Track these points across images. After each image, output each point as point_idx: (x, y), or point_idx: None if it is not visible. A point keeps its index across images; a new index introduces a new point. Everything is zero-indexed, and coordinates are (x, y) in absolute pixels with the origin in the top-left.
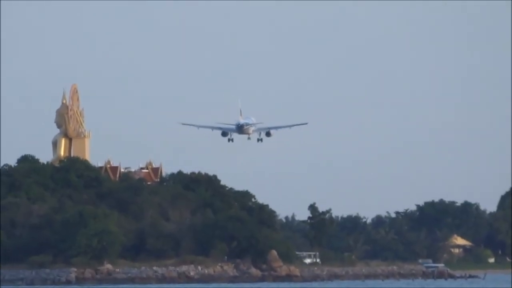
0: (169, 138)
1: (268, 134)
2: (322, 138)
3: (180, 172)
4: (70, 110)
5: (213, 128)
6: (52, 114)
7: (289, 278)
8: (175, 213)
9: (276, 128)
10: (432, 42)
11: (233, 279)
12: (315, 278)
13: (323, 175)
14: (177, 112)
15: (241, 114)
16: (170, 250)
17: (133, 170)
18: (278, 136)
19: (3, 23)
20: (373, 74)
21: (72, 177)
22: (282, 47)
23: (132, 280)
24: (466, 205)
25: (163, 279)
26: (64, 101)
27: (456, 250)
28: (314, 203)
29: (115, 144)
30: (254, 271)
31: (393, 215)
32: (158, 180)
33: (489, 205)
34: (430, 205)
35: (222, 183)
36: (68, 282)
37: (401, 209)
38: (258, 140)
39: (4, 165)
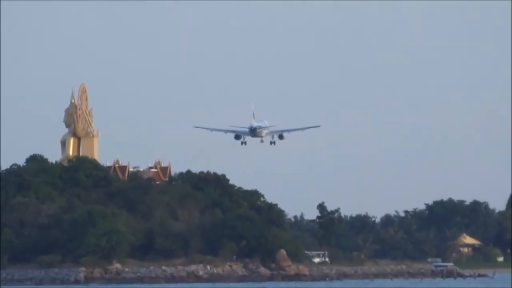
0: (178, 137)
1: (281, 137)
2: (331, 138)
3: (188, 172)
4: (79, 109)
5: (226, 131)
6: (60, 113)
7: (298, 277)
8: (183, 212)
9: (288, 131)
10: (440, 42)
11: (242, 279)
12: (324, 277)
13: (332, 174)
14: (186, 111)
15: (254, 117)
16: (179, 250)
17: (141, 169)
18: (287, 136)
19: (13, 22)
20: (379, 74)
21: (81, 176)
22: (295, 50)
23: (141, 280)
24: (475, 204)
25: (172, 279)
26: (73, 101)
27: (465, 249)
28: (323, 203)
29: (124, 144)
30: (263, 270)
31: (402, 214)
32: (167, 179)
33: (498, 204)
34: (439, 204)
35: (230, 182)
36: (77, 281)
37: (410, 208)
38: (271, 143)
39: (13, 164)
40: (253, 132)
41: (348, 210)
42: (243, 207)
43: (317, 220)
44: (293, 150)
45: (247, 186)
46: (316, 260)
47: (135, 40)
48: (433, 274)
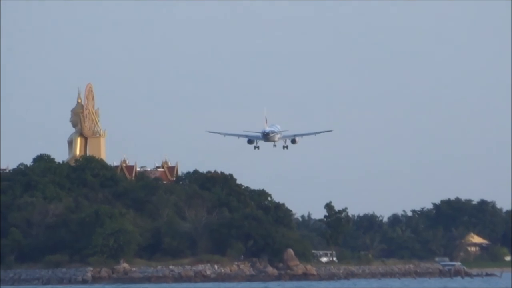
0: (185, 137)
1: (293, 141)
2: (338, 138)
3: (196, 171)
4: (86, 109)
5: (239, 136)
6: (67, 113)
7: (305, 277)
8: (191, 212)
9: (301, 135)
10: (439, 42)
11: (249, 278)
12: (332, 276)
13: (339, 174)
14: (193, 111)
15: (266, 122)
16: (187, 249)
17: (149, 169)
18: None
19: (19, 22)
20: (387, 75)
21: (88, 176)
22: (308, 55)
23: (148, 279)
24: (483, 203)
25: (179, 278)
26: (79, 101)
27: (473, 248)
28: (330, 202)
29: (131, 143)
30: (270, 270)
31: (410, 214)
32: (174, 179)
33: (505, 203)
34: (447, 203)
35: (238, 182)
36: (85, 281)
37: (417, 208)
38: (283, 147)
39: (20, 164)
40: (266, 136)
41: (356, 209)
42: (251, 207)
43: (325, 219)
44: (300, 150)
45: (255, 185)
46: (324, 259)
47: (143, 39)
48: (441, 273)
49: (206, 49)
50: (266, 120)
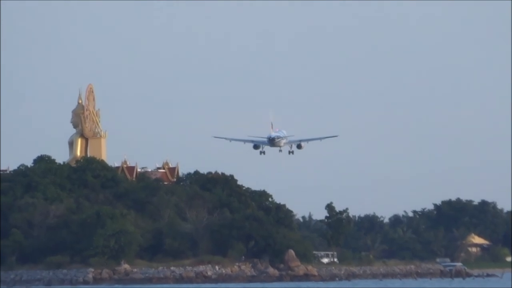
0: (185, 138)
1: (299, 146)
2: (339, 139)
3: (196, 172)
4: (86, 110)
5: (245, 141)
6: (68, 114)
7: (306, 277)
8: (192, 213)
9: (307, 140)
10: (439, 42)
11: (250, 279)
12: (333, 277)
13: (340, 174)
14: (194, 112)
15: (272, 127)
16: (188, 250)
17: (149, 170)
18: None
19: (19, 23)
20: (386, 75)
21: (89, 177)
22: (314, 60)
23: (149, 280)
24: (483, 204)
25: (180, 279)
26: (80, 101)
27: (474, 249)
28: (331, 203)
29: (132, 144)
30: (271, 270)
31: (411, 214)
32: (175, 180)
33: (506, 203)
34: (448, 204)
35: (238, 183)
36: (86, 282)
37: (418, 208)
38: (289, 152)
39: (21, 165)
40: (272, 142)
41: (357, 210)
42: (252, 208)
43: (326, 220)
44: (300, 151)
45: (255, 186)
46: (325, 260)
47: (144, 40)
48: (442, 274)
49: (208, 50)
50: (272, 125)
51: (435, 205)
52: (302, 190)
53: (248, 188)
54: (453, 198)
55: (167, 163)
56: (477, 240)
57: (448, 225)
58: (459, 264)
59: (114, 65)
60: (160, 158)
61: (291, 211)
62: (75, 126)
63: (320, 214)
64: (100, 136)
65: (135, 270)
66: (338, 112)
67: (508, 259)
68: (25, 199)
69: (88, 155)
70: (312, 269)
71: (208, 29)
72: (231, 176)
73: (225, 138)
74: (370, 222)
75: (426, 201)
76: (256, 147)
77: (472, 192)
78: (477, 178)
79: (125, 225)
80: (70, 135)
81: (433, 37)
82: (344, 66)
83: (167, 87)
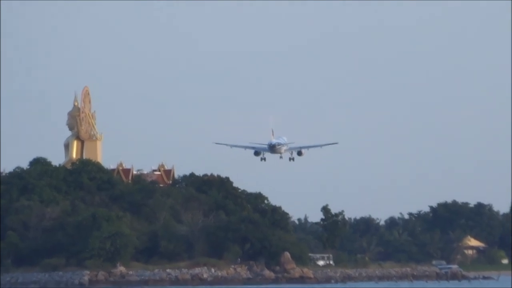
0: (181, 140)
1: (299, 153)
2: (335, 140)
3: (192, 174)
4: (82, 112)
5: (245, 147)
6: (64, 116)
7: (302, 280)
8: (187, 215)
9: (307, 147)
10: (438, 42)
11: (246, 281)
12: (329, 280)
13: (336, 176)
14: (189, 114)
15: (273, 134)
16: (183, 253)
17: (145, 172)
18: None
19: (15, 24)
20: (382, 77)
21: (85, 179)
22: (315, 69)
23: (145, 283)
24: (479, 206)
25: (176, 282)
26: (76, 104)
27: (470, 251)
28: (327, 205)
29: (127, 146)
30: (267, 273)
31: (406, 217)
32: (171, 182)
33: (502, 206)
34: (443, 206)
35: (234, 185)
36: (81, 284)
37: (414, 211)
38: (289, 159)
39: (16, 167)
40: (272, 148)
41: (352, 212)
42: (247, 210)
43: (321, 222)
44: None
45: (251, 188)
46: (321, 262)
47: (140, 42)
48: (438, 276)
49: (205, 52)
50: (273, 132)
51: (431, 207)
52: (297, 193)
53: (243, 191)
54: (449, 201)
55: (162, 165)
56: (473, 242)
57: (444, 228)
58: (455, 266)
59: (110, 67)
60: (156, 160)
61: (287, 214)
62: (71, 128)
63: (315, 216)
64: (96, 138)
65: (131, 272)
66: (335, 114)
67: (504, 261)
68: (21, 202)
69: (84, 157)
70: (308, 272)
71: (206, 30)
72: (227, 178)
73: (226, 145)
74: (365, 225)
75: (422, 203)
76: (256, 153)
77: (468, 195)
78: (473, 181)
79: (121, 228)
80: (66, 137)
81: (432, 38)
82: (341, 68)
83: (162, 89)
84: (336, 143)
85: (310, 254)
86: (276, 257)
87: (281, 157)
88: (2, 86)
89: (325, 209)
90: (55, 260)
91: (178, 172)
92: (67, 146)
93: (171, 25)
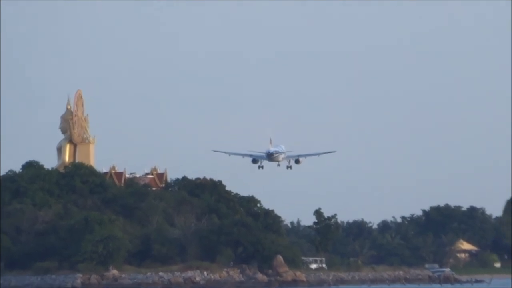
0: (174, 143)
1: (297, 161)
2: (328, 145)
3: (185, 178)
4: (75, 115)
5: (243, 155)
6: (56, 120)
7: (295, 283)
8: (180, 218)
9: (305, 155)
10: (438, 43)
11: (239, 285)
12: (321, 283)
13: (328, 180)
14: (182, 118)
15: (271, 142)
16: (176, 256)
17: (138, 175)
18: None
19: (7, 28)
20: (377, 80)
21: (77, 183)
22: (312, 78)
23: (138, 286)
24: (472, 209)
25: (169, 285)
26: (69, 107)
27: (462, 255)
28: (320, 209)
29: (120, 150)
30: (260, 276)
31: (399, 220)
32: (163, 185)
33: (495, 209)
34: (436, 210)
35: (227, 188)
36: None
37: (407, 214)
38: (287, 167)
39: (9, 171)
40: (270, 156)
41: (345, 216)
42: (240, 213)
43: (314, 226)
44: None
45: (244, 192)
46: (313, 266)
47: (132, 46)
48: (430, 279)
49: (198, 56)
50: (271, 140)
51: (423, 211)
52: (290, 196)
53: (236, 194)
54: (442, 204)
55: (155, 169)
56: (466, 246)
57: (436, 231)
58: (447, 270)
59: (103, 71)
60: (149, 164)
61: (280, 217)
62: (63, 132)
63: (308, 220)
64: (89, 141)
65: (124, 275)
66: (328, 118)
67: (497, 265)
68: (13, 205)
69: (77, 161)
70: (301, 275)
71: (201, 32)
72: (219, 182)
73: (225, 152)
74: (358, 228)
75: (414, 207)
76: (254, 161)
77: (461, 198)
78: (465, 184)
79: (114, 231)
80: (59, 141)
81: (432, 38)
82: (338, 73)
83: (156, 93)
84: (333, 152)
85: (302, 258)
86: (268, 260)
87: (278, 165)
88: None
89: (318, 213)
90: (48, 264)
91: (171, 176)
92: (60, 150)
93: (165, 28)
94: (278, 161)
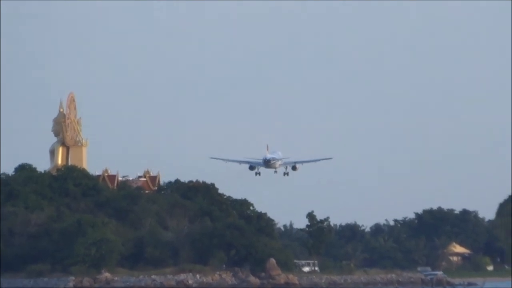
0: (167, 146)
1: (294, 168)
2: (320, 148)
3: (177, 181)
4: (67, 118)
5: (240, 162)
6: (49, 122)
7: (287, 286)
8: (173, 221)
9: (301, 162)
10: (438, 43)
11: None
12: (314, 286)
13: (321, 183)
14: (174, 120)
15: (267, 149)
16: (169, 259)
17: (131, 178)
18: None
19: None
20: (370, 82)
21: (70, 185)
22: (307, 82)
23: None
24: (465, 213)
25: None
26: (61, 110)
27: (455, 258)
28: (312, 211)
29: (113, 153)
30: (252, 279)
31: (392, 223)
32: (156, 188)
33: (488, 212)
34: (429, 213)
35: (219, 191)
36: None
37: (399, 217)
38: (284, 174)
39: (2, 174)
40: (267, 163)
41: (338, 219)
42: (233, 216)
43: (307, 229)
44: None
45: (236, 195)
46: (306, 269)
47: (125, 48)
48: (423, 282)
49: (191, 60)
50: (268, 147)
51: (416, 214)
52: (283, 199)
53: (229, 197)
54: (435, 207)
55: (148, 172)
56: (458, 249)
57: (429, 234)
58: (440, 273)
59: (95, 74)
60: (141, 167)
61: (272, 220)
62: (56, 135)
63: (301, 223)
64: (81, 144)
65: (116, 278)
66: (323, 123)
67: (489, 268)
68: (6, 208)
69: (69, 164)
70: (293, 278)
71: (192, 38)
72: (212, 185)
73: (222, 159)
74: (351, 231)
75: (407, 210)
76: (251, 168)
77: (453, 201)
78: (458, 187)
79: (106, 234)
80: (51, 144)
81: (431, 38)
82: (334, 73)
83: (148, 96)
84: (330, 158)
85: (295, 261)
86: (261, 263)
87: (275, 171)
88: None
89: (311, 216)
90: (40, 266)
91: (164, 179)
92: (53, 153)
93: (159, 31)
94: (275, 167)
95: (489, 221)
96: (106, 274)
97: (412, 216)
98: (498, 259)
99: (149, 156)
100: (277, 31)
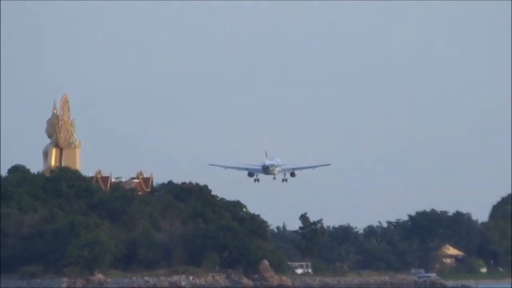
0: (160, 148)
1: (292, 174)
2: (312, 149)
3: (170, 182)
4: (61, 120)
5: (240, 168)
6: (42, 124)
7: None
8: (166, 223)
9: (300, 168)
10: (438, 43)
11: None
12: None
13: (314, 185)
14: (168, 122)
15: (266, 156)
16: (162, 260)
17: (124, 180)
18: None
19: None
20: (365, 83)
21: (63, 187)
22: (306, 89)
23: None
24: (458, 215)
25: None
26: (55, 111)
27: (448, 260)
28: (306, 213)
29: (106, 154)
30: (245, 281)
31: (385, 225)
32: (149, 190)
33: (481, 215)
34: (422, 215)
35: (212, 193)
36: None
37: (393, 219)
38: (283, 180)
39: None
40: (266, 170)
41: (331, 221)
42: (226, 218)
43: (300, 231)
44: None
45: (229, 197)
46: (299, 271)
47: (118, 50)
48: (416, 285)
49: (186, 60)
50: (266, 153)
51: (409, 216)
52: (276, 201)
53: (222, 199)
54: (428, 209)
55: (141, 173)
56: (452, 251)
57: (422, 236)
58: (433, 275)
59: (89, 75)
60: (135, 168)
61: (265, 222)
62: (49, 136)
63: (294, 224)
64: (75, 146)
65: (109, 280)
66: (314, 122)
67: (483, 270)
68: None
69: (63, 165)
70: (286, 280)
71: (188, 40)
72: (205, 187)
73: (221, 166)
74: (344, 233)
75: (400, 212)
76: (250, 174)
77: (447, 203)
78: (451, 190)
79: (99, 235)
80: (45, 145)
81: (431, 39)
82: (330, 74)
83: (142, 97)
84: (328, 164)
85: (288, 262)
86: (254, 265)
87: (274, 178)
88: None
89: (304, 217)
90: (34, 268)
91: (157, 180)
92: (46, 154)
93: (154, 33)
94: (274, 174)
95: (483, 223)
96: (99, 276)
97: (406, 218)
98: (492, 261)
99: (142, 158)
100: (278, 34)
